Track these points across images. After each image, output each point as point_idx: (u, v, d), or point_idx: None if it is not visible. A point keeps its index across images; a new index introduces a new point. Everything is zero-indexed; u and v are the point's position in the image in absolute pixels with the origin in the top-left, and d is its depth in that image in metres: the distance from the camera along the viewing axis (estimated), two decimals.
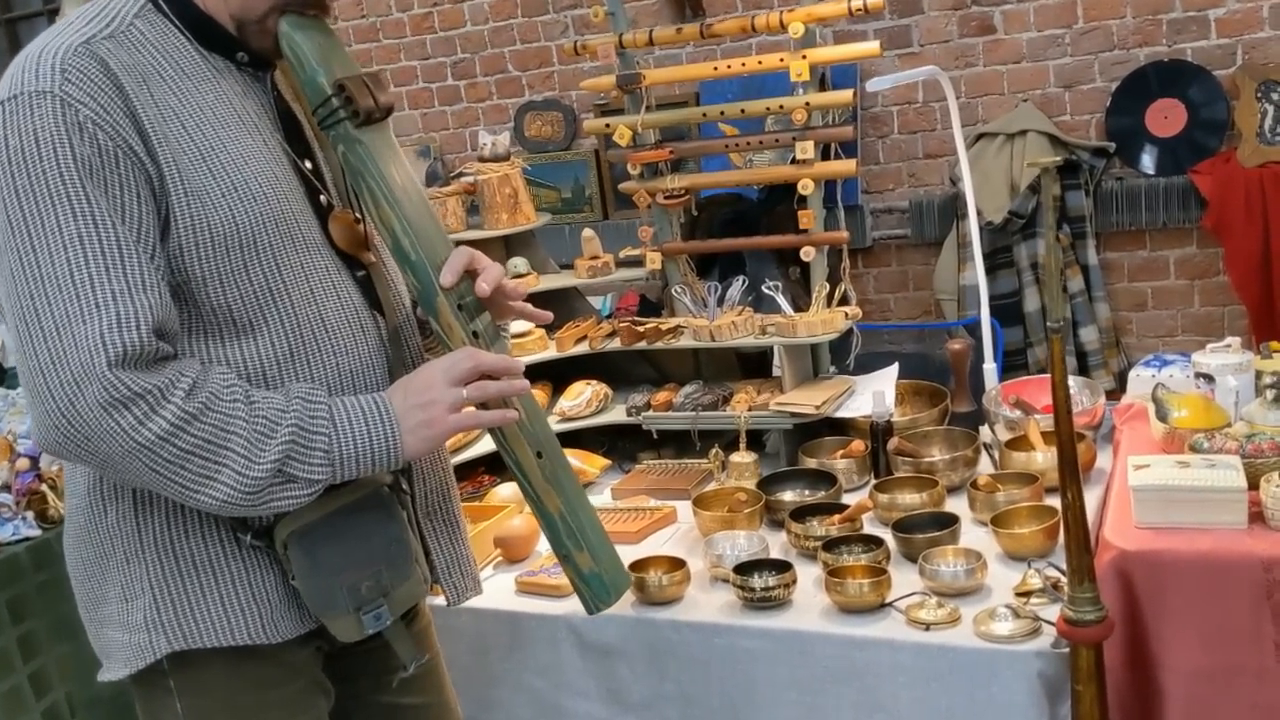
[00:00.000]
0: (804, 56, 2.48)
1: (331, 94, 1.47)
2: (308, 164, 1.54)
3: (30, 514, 2.53)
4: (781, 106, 2.55)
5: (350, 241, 1.55)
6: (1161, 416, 2.07)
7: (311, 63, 1.46)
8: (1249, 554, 1.74)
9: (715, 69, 2.63)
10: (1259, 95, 3.83)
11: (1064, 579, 1.72)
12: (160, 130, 1.36)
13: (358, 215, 1.57)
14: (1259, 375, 2.08)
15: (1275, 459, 1.86)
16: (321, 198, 1.54)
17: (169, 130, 1.37)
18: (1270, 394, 1.98)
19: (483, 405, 1.51)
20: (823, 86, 2.61)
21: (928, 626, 1.79)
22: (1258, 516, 1.80)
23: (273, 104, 1.53)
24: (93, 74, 1.33)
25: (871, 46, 2.50)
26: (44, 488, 2.58)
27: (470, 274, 1.56)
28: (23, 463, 2.62)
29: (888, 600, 1.86)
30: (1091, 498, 2.09)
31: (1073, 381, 2.47)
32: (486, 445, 2.61)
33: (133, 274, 1.32)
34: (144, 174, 1.34)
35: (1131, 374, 2.39)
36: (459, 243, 1.60)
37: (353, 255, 1.56)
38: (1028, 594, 1.82)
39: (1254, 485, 1.81)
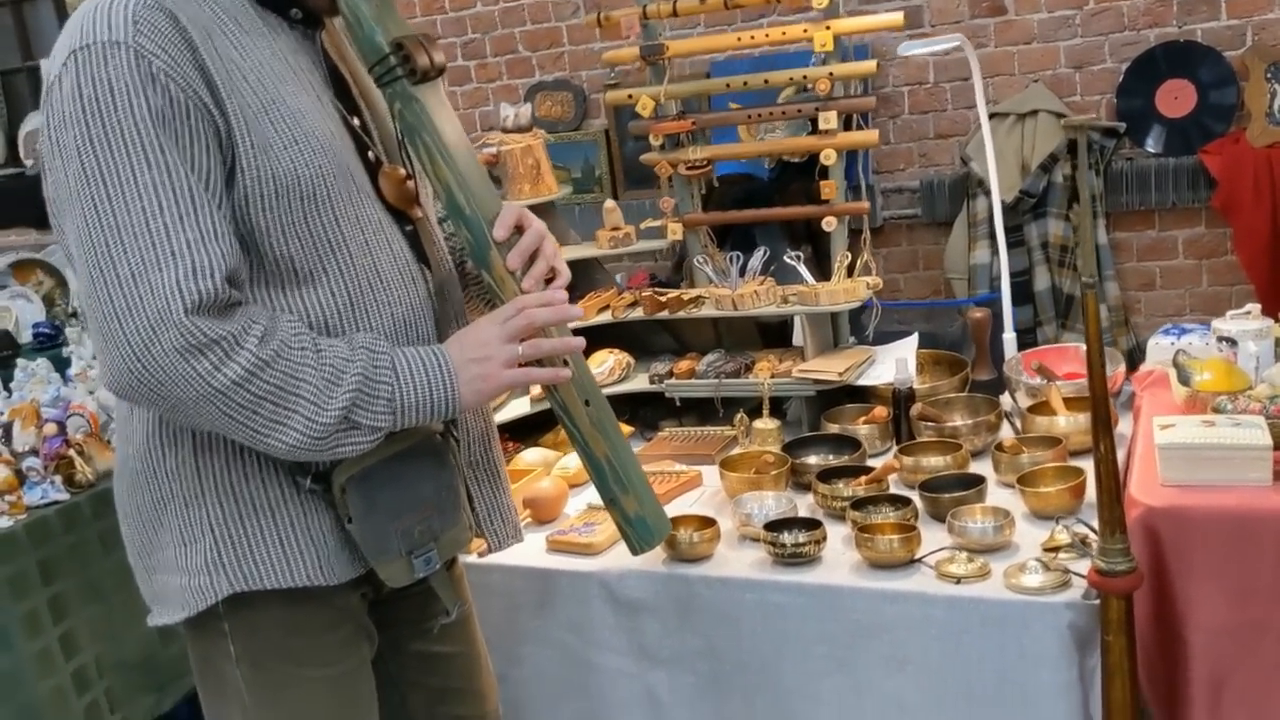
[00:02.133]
0: (828, 27, 2.50)
1: (390, 52, 1.50)
2: (356, 120, 1.58)
3: (58, 478, 2.55)
4: (805, 77, 2.57)
5: (399, 197, 1.58)
6: (1184, 380, 2.10)
7: (369, 21, 1.49)
8: (1274, 510, 1.77)
9: (739, 39, 2.65)
10: (1269, 76, 3.87)
11: (1092, 534, 1.76)
12: (226, 83, 1.39)
13: (407, 171, 1.60)
14: (1279, 341, 2.12)
15: None
16: (370, 154, 1.57)
17: (234, 83, 1.40)
18: None
19: (536, 361, 1.54)
20: (842, 60, 2.63)
21: (959, 580, 1.82)
22: None
23: (322, 62, 1.56)
24: (163, 27, 1.35)
25: (894, 18, 2.52)
26: (71, 453, 2.61)
27: (519, 229, 1.60)
28: (50, 428, 2.65)
29: (918, 556, 1.90)
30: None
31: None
32: (512, 412, 2.64)
33: (205, 223, 1.34)
34: (213, 126, 1.37)
35: (1150, 342, 2.42)
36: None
37: (401, 210, 1.59)
38: (1056, 549, 1.85)
39: (1278, 445, 1.84)
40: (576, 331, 2.71)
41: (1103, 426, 1.63)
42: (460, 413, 1.53)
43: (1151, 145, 4.08)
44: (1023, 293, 4.16)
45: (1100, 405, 1.64)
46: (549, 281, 1.61)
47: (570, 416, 1.61)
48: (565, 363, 1.59)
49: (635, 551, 1.71)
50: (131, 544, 1.58)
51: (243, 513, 1.47)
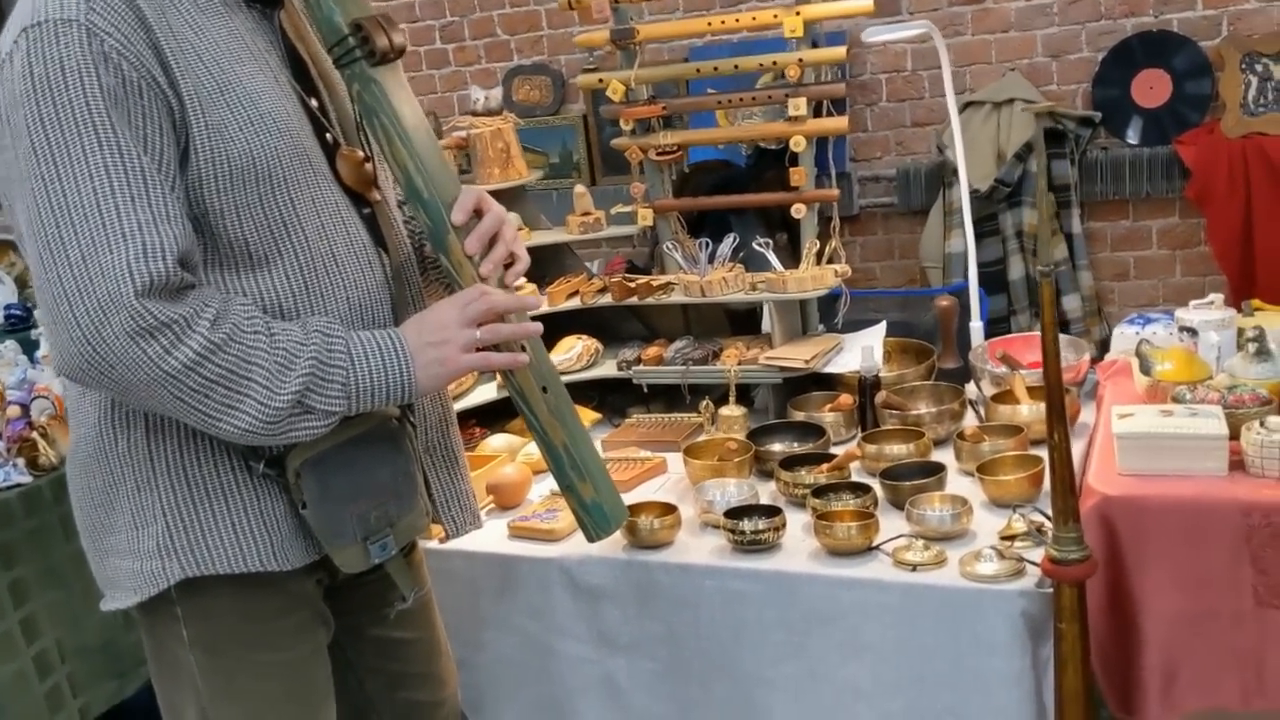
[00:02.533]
0: (798, 13, 2.50)
1: (349, 33, 1.49)
2: (314, 102, 1.56)
3: (21, 461, 2.54)
4: (775, 63, 2.57)
5: (357, 179, 1.57)
6: (1145, 370, 2.11)
7: (328, 1, 1.48)
8: (1229, 499, 1.78)
9: (709, 24, 2.64)
10: (1243, 67, 3.88)
11: (1048, 523, 1.77)
12: (181, 63, 1.38)
13: (365, 154, 1.59)
14: (1240, 331, 2.13)
15: (1256, 409, 1.91)
16: (328, 135, 1.56)
17: (189, 63, 1.38)
18: (1252, 348, 2.02)
19: (494, 346, 1.54)
20: (813, 47, 2.63)
21: (914, 567, 1.83)
22: (1238, 465, 1.84)
23: (280, 43, 1.55)
24: (116, 4, 1.34)
25: (865, 3, 2.52)
26: (35, 435, 2.60)
27: (478, 213, 1.59)
28: (13, 410, 2.64)
29: (875, 543, 1.90)
30: (1075, 449, 2.12)
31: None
32: (478, 397, 2.64)
33: (158, 204, 1.33)
34: (166, 105, 1.36)
35: (1115, 331, 2.43)
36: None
37: (359, 193, 1.58)
38: (1012, 538, 1.86)
39: (1235, 435, 1.85)
40: (538, 318, 2.72)
41: (1057, 416, 1.64)
42: (417, 397, 1.52)
43: (1131, 136, 4.09)
44: (997, 282, 4.17)
45: (1055, 394, 1.64)
46: (508, 266, 1.61)
47: (528, 403, 1.61)
48: (523, 348, 1.59)
49: (591, 539, 1.71)
50: (84, 527, 1.57)
51: (195, 497, 1.47)
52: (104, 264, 1.31)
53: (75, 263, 1.31)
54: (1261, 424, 1.82)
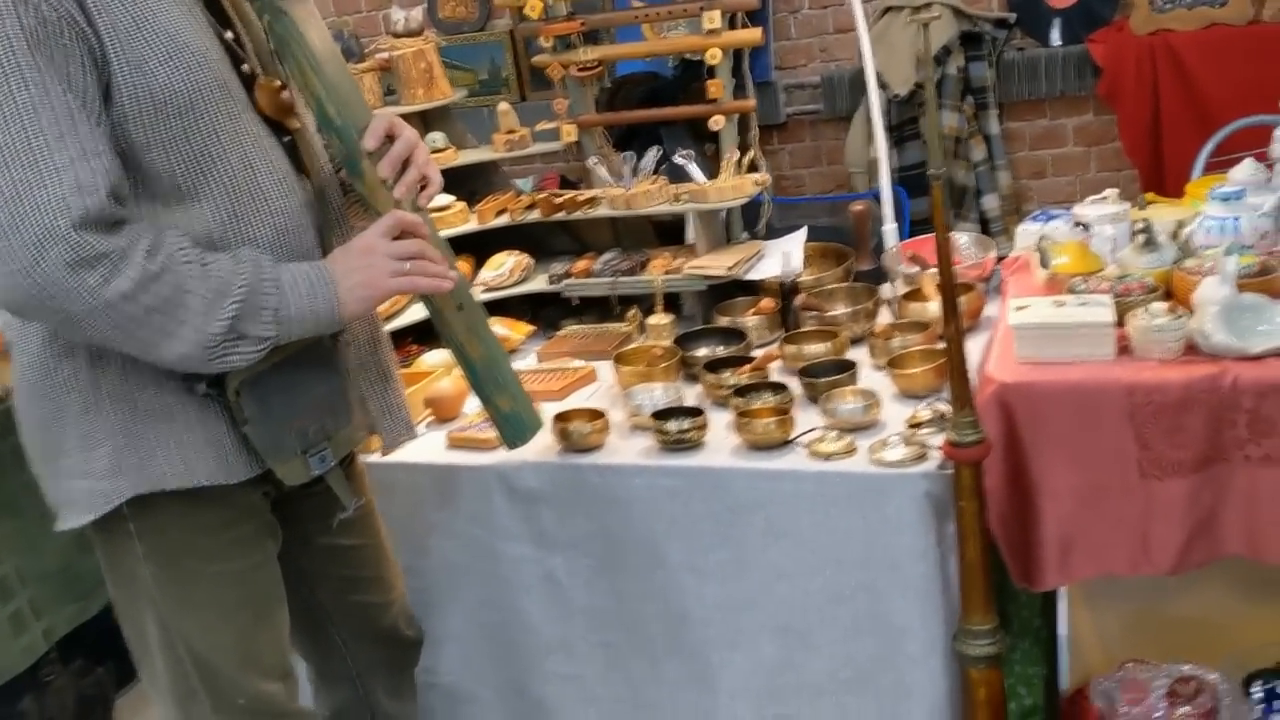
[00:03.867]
0: None
1: None
2: (229, 34, 1.61)
3: None
4: None
5: (275, 108, 1.63)
6: (1044, 264, 2.22)
7: None
8: (1116, 382, 1.90)
9: None
10: None
11: (950, 409, 1.89)
12: (98, 1, 1.42)
13: (281, 83, 1.64)
14: (1132, 224, 2.24)
15: (1142, 296, 2.02)
16: (244, 66, 1.61)
17: (105, 1, 1.42)
18: (1140, 239, 2.13)
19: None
20: None
21: (827, 457, 1.95)
22: (1125, 350, 1.96)
23: None
24: None
25: None
26: None
27: (390, 138, 1.66)
28: None
29: (792, 437, 2.02)
30: (981, 341, 2.25)
31: (965, 237, 2.64)
32: (414, 315, 2.71)
33: (86, 139, 1.39)
34: (86, 44, 1.41)
35: (1019, 228, 2.53)
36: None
37: (278, 121, 1.64)
38: (918, 426, 1.99)
39: (1122, 321, 1.98)
40: (469, 236, 2.79)
41: (950, 308, 1.75)
42: (346, 322, 1.60)
43: (1054, 38, 4.17)
44: (920, 184, 4.23)
45: (947, 292, 1.75)
46: (422, 188, 1.68)
47: (445, 321, 1.70)
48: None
49: (510, 446, 1.82)
50: (34, 452, 1.65)
51: (140, 418, 1.55)
52: (38, 199, 1.36)
53: (10, 199, 1.36)
54: (1145, 310, 1.94)
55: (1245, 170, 2.22)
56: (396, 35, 2.91)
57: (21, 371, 1.60)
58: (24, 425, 1.64)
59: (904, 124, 4.24)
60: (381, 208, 1.62)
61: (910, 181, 4.19)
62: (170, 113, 1.47)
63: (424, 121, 2.94)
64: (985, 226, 4.26)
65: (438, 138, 2.86)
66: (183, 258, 1.46)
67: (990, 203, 4.25)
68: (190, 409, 1.56)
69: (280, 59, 1.61)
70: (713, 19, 2.61)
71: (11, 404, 2.52)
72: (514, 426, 1.79)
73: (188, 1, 1.55)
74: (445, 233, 2.61)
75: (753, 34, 2.65)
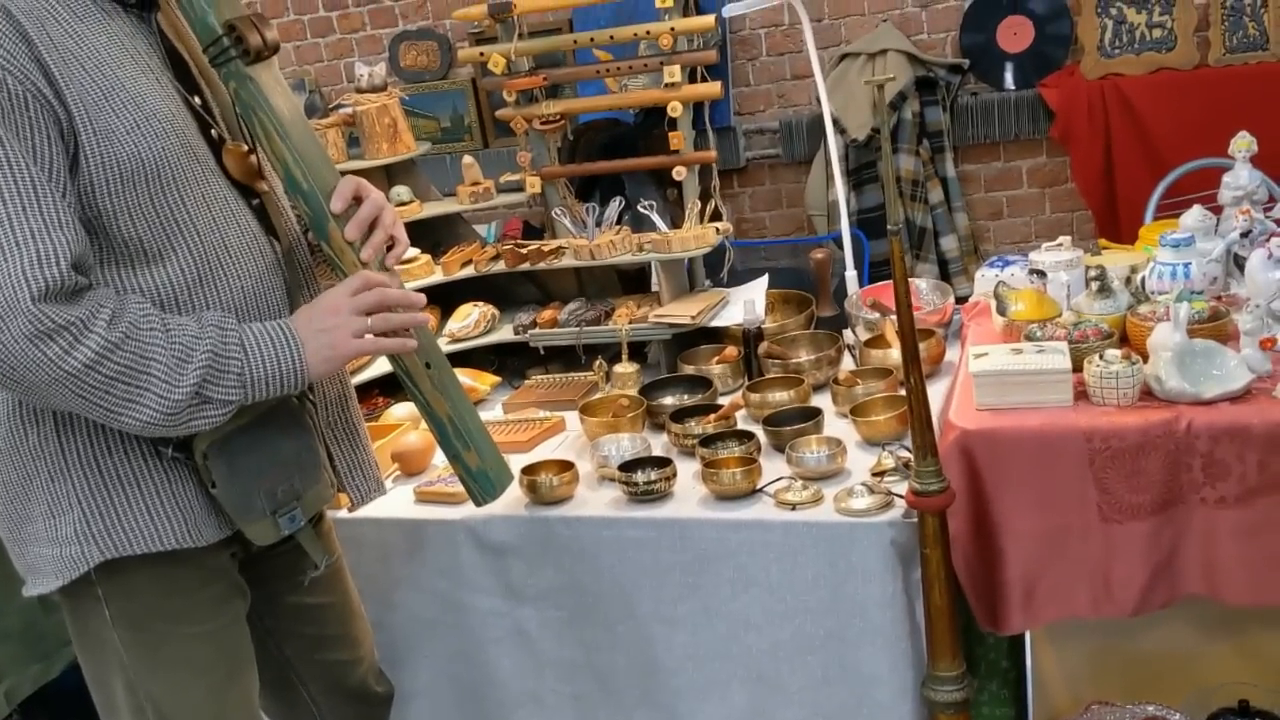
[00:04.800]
0: None
1: (222, 33, 1.56)
2: (197, 100, 1.63)
3: None
4: (649, 32, 2.66)
5: (243, 172, 1.64)
6: (1001, 310, 2.27)
7: (201, 3, 1.55)
8: (1074, 427, 1.94)
9: None
10: (1099, 10, 4.07)
11: (913, 457, 1.92)
12: (64, 73, 1.43)
13: (249, 147, 1.66)
14: (1087, 270, 2.29)
15: (1098, 343, 2.07)
16: (213, 131, 1.63)
17: (72, 72, 1.44)
18: (1095, 286, 2.18)
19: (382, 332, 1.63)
20: (687, 12, 2.73)
21: (794, 506, 1.97)
22: (1082, 395, 2.00)
23: (159, 43, 1.61)
24: None
25: None
26: None
27: (357, 200, 1.68)
28: None
29: (758, 486, 2.04)
30: (942, 387, 2.29)
31: (924, 284, 2.69)
32: (380, 368, 2.71)
33: (49, 212, 1.40)
34: (53, 116, 1.42)
35: (977, 274, 2.59)
36: (343, 173, 1.70)
37: (246, 185, 1.65)
38: (882, 473, 2.02)
39: (1079, 368, 2.02)
40: (435, 287, 2.80)
41: (911, 361, 1.78)
42: (310, 382, 1.61)
43: (1007, 82, 4.26)
44: (879, 227, 4.32)
45: (908, 342, 1.79)
46: (390, 250, 1.69)
47: (413, 379, 1.71)
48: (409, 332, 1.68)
49: (478, 503, 1.83)
50: (1, 518, 1.64)
51: (108, 483, 1.55)
52: (0, 272, 1.37)
53: None
54: (1101, 357, 1.98)
55: (1194, 217, 2.28)
56: (360, 90, 2.94)
57: None
58: None
59: (862, 168, 4.31)
60: (349, 269, 1.64)
61: (869, 224, 4.26)
62: (138, 179, 1.49)
63: (388, 175, 2.96)
64: (944, 267, 4.33)
65: (402, 192, 2.88)
66: (145, 325, 1.46)
67: (949, 243, 4.32)
68: (158, 473, 1.57)
69: (246, 124, 1.63)
70: (673, 73, 2.65)
71: None
72: (482, 483, 1.80)
73: (155, 69, 1.57)
74: (410, 285, 2.62)
75: (712, 88, 2.69)
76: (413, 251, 2.77)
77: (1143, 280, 2.22)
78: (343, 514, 2.12)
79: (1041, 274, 2.29)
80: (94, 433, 1.53)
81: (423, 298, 1.67)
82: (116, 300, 1.46)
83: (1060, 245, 2.39)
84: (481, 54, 2.80)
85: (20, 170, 1.39)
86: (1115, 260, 2.38)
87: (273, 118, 1.60)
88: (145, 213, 1.50)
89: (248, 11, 1.61)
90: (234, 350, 1.51)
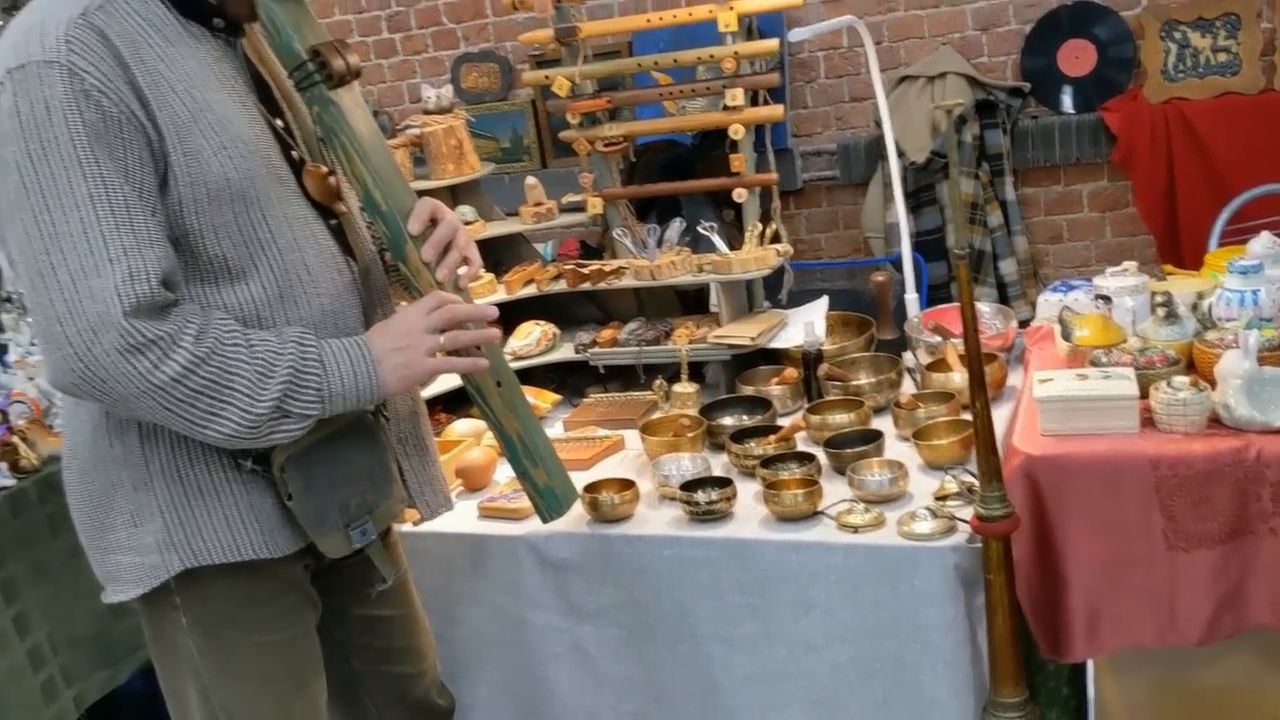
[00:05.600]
0: (731, 7, 2.62)
1: (307, 59, 1.60)
2: (279, 123, 1.67)
3: (4, 465, 2.63)
4: (711, 56, 2.69)
5: (323, 193, 1.68)
6: (1066, 336, 2.26)
7: (287, 29, 1.59)
8: (1140, 454, 1.93)
9: (648, 20, 2.76)
10: (1163, 35, 4.04)
11: (977, 482, 1.92)
12: (156, 95, 1.48)
13: (328, 169, 1.70)
14: (1153, 296, 2.28)
15: (1164, 369, 2.06)
16: (294, 153, 1.67)
17: (163, 94, 1.49)
18: (1161, 312, 2.17)
19: (454, 349, 1.67)
20: (749, 36, 2.75)
21: (856, 529, 1.98)
22: (1149, 421, 1.99)
23: (245, 68, 1.66)
24: (94, 44, 1.45)
25: None
26: (15, 439, 2.68)
27: (433, 221, 1.72)
28: None
29: (820, 508, 2.05)
30: (1004, 411, 2.29)
31: (987, 308, 2.68)
32: (442, 385, 2.75)
33: (140, 230, 1.45)
34: (144, 137, 1.47)
35: (1040, 299, 2.58)
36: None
37: (325, 205, 1.69)
38: (945, 498, 2.02)
39: (1145, 394, 2.01)
40: (498, 306, 2.83)
41: (978, 386, 1.79)
42: (384, 399, 1.65)
43: (1060, 105, 4.25)
44: (937, 250, 4.32)
45: (975, 366, 1.79)
46: (463, 270, 1.73)
47: (484, 397, 1.74)
48: (480, 350, 1.72)
49: (545, 519, 1.86)
50: (83, 527, 1.68)
51: (189, 495, 1.59)
52: (93, 287, 1.42)
53: (66, 287, 1.42)
54: (1168, 384, 1.97)
55: (1262, 243, 2.26)
56: (428, 112, 2.99)
57: (73, 449, 1.65)
58: (73, 500, 1.67)
59: (920, 190, 4.30)
60: (425, 289, 1.67)
61: (926, 247, 4.25)
62: (223, 200, 1.53)
63: (453, 195, 3.00)
64: (1003, 290, 4.31)
65: (467, 211, 2.92)
66: (230, 340, 1.51)
67: (1008, 267, 4.30)
68: (237, 484, 1.60)
69: (327, 146, 1.67)
70: (735, 96, 2.67)
71: (47, 473, 2.61)
72: (549, 500, 1.83)
73: (241, 91, 1.61)
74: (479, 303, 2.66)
75: (774, 111, 2.71)
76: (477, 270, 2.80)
77: (1210, 307, 2.20)
78: (407, 527, 2.16)
79: (1107, 299, 2.28)
80: (176, 444, 1.57)
81: (494, 311, 1.70)
82: (202, 316, 1.50)
83: (1125, 270, 2.38)
84: (546, 76, 2.84)
85: (114, 189, 1.44)
86: (1181, 286, 2.36)
87: (354, 140, 1.64)
88: (230, 232, 1.55)
89: (331, 37, 1.65)
90: (313, 365, 1.55)
